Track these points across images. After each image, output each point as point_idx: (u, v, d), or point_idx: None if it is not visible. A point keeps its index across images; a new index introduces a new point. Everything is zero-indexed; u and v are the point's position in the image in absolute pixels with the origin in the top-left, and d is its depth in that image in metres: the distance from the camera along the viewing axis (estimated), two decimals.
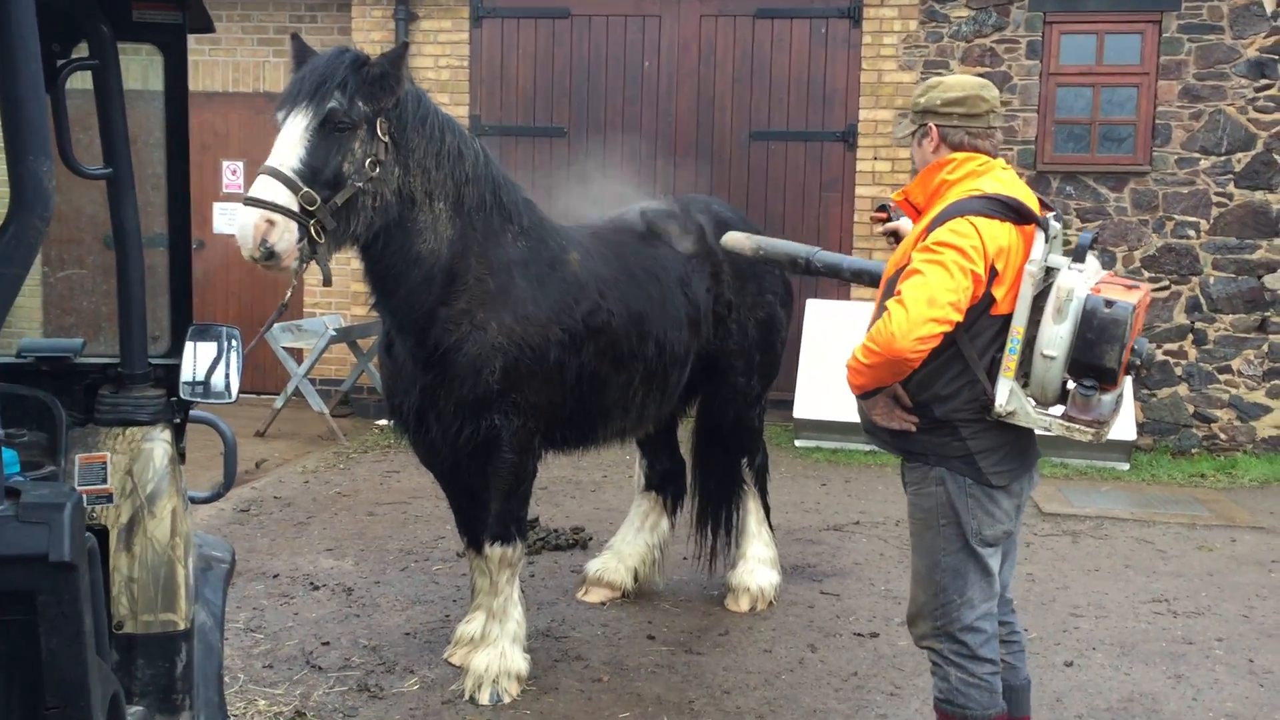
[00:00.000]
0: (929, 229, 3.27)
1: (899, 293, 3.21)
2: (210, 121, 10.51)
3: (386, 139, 4.08)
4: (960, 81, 3.51)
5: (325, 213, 3.90)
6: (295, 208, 3.84)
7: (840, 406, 7.75)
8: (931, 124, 3.44)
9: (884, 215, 3.98)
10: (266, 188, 3.85)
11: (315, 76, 3.98)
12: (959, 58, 9.38)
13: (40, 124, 1.76)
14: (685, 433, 5.88)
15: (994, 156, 3.46)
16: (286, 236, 3.83)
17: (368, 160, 4.01)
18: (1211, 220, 9.25)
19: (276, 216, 3.81)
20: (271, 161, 3.90)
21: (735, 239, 4.51)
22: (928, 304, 3.13)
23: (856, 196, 9.59)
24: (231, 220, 10.53)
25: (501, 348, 4.33)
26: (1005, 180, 3.38)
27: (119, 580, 2.58)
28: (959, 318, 3.19)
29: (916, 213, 3.54)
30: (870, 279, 4.42)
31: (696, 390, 5.48)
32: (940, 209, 3.31)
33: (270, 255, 3.81)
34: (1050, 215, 3.33)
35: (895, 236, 3.90)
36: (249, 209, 3.82)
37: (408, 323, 4.36)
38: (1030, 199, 3.38)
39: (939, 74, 3.97)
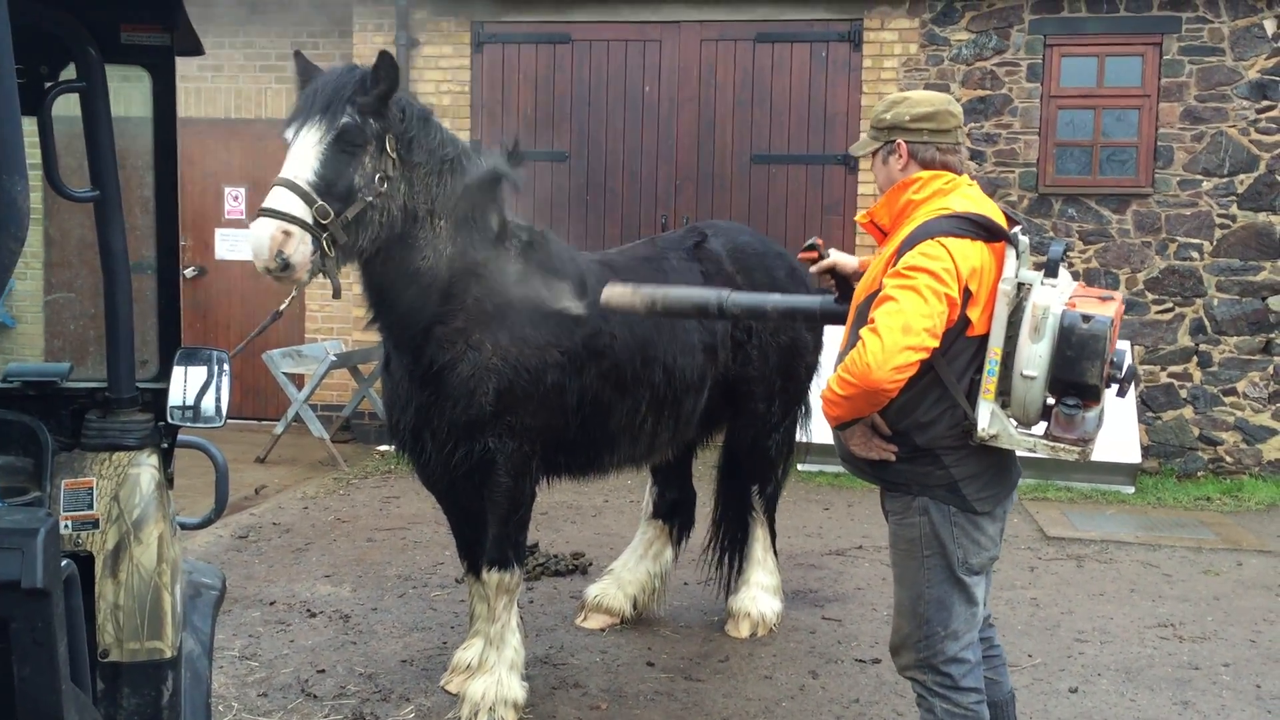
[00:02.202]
0: (899, 252, 3.19)
1: (872, 320, 3.12)
2: (213, 148, 10.54)
3: (394, 155, 4.07)
4: (927, 97, 3.44)
5: (337, 226, 3.89)
6: (310, 220, 3.82)
7: None
8: (900, 140, 3.36)
9: (814, 254, 3.80)
10: (282, 199, 3.82)
11: (327, 91, 3.98)
12: (959, 80, 9.39)
13: (14, 141, 1.74)
14: (700, 465, 5.84)
15: (959, 173, 3.38)
16: (302, 249, 3.80)
17: (377, 175, 4.01)
18: (1215, 242, 9.22)
19: (293, 228, 3.78)
20: (286, 173, 3.88)
21: (618, 295, 4.05)
22: (903, 332, 3.04)
23: (858, 220, 9.55)
24: (233, 247, 10.62)
25: (496, 369, 4.29)
26: (973, 197, 3.31)
27: (104, 608, 2.54)
28: (935, 344, 3.10)
29: (882, 235, 3.45)
30: (804, 317, 4.17)
31: (721, 417, 5.43)
32: (909, 231, 3.22)
33: (285, 267, 3.78)
34: (1017, 229, 3.26)
35: (832, 274, 3.78)
36: (265, 219, 3.78)
37: (404, 339, 4.34)
38: (997, 214, 3.31)
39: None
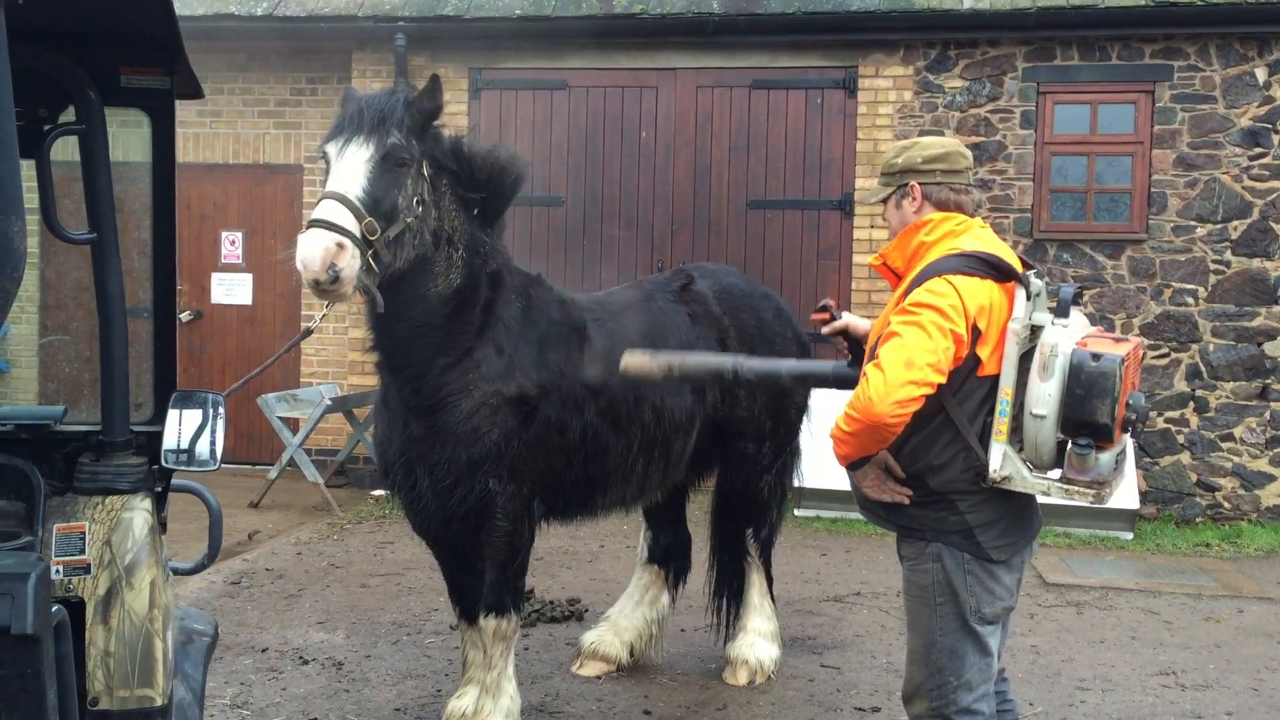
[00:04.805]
0: (906, 292, 3.21)
1: (876, 357, 3.14)
2: (210, 193, 10.57)
3: (429, 180, 4.10)
4: (938, 140, 3.50)
5: (381, 243, 3.89)
6: (359, 234, 3.81)
7: (841, 475, 7.64)
8: (914, 182, 3.39)
9: (826, 316, 3.78)
10: (335, 211, 3.81)
11: (374, 112, 4.00)
12: (954, 127, 9.45)
13: (12, 182, 1.73)
14: (697, 509, 5.79)
15: (971, 215, 3.41)
16: (352, 262, 3.78)
17: (415, 198, 4.03)
18: (1210, 287, 9.25)
19: (346, 241, 3.77)
20: (336, 187, 3.88)
21: (636, 363, 4.04)
22: (905, 366, 3.06)
23: (854, 265, 9.60)
24: (229, 292, 10.62)
25: (498, 406, 4.27)
26: (985, 238, 3.33)
27: (95, 654, 2.50)
28: (940, 379, 3.11)
29: (896, 278, 3.46)
30: (817, 380, 4.16)
31: (712, 459, 5.40)
32: (918, 271, 3.25)
33: (335, 279, 3.74)
34: (1031, 273, 3.26)
35: (845, 335, 3.74)
36: (320, 230, 3.75)
37: (405, 366, 4.29)
38: (1011, 256, 3.32)
39: None
